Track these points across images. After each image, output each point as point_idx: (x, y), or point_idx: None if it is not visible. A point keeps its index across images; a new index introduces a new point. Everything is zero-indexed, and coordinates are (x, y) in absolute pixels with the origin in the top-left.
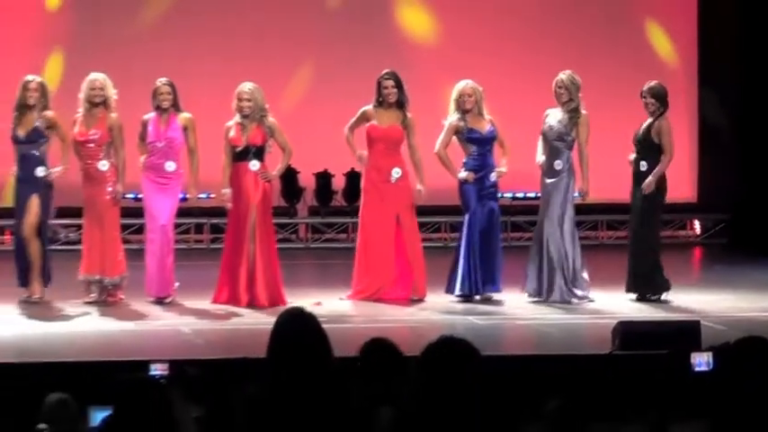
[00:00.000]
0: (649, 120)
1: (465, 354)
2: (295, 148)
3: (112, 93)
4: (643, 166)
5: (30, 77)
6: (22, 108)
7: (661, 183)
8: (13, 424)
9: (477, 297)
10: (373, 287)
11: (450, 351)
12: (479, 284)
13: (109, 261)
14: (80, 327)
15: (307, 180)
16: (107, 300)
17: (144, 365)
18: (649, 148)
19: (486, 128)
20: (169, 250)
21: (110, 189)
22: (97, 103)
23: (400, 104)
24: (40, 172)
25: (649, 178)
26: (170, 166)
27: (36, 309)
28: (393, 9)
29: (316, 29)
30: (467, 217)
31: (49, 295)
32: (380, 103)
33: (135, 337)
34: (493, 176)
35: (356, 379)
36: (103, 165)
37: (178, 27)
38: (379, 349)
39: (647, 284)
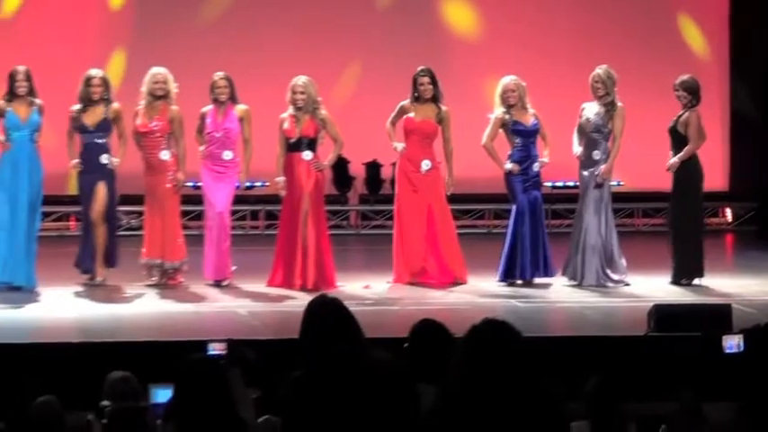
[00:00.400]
0: (684, 109)
1: (507, 335)
2: (346, 140)
3: (173, 86)
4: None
5: (93, 73)
6: (87, 102)
7: (695, 171)
8: (78, 401)
9: (520, 282)
10: (410, 271)
11: (493, 333)
12: (527, 270)
13: (169, 246)
14: (141, 308)
15: (357, 170)
16: (167, 283)
17: (202, 345)
18: (679, 139)
19: (530, 121)
20: (226, 236)
21: (170, 177)
22: (159, 96)
23: (435, 99)
24: (104, 159)
25: (674, 160)
26: (227, 155)
27: (99, 291)
28: (438, 6)
29: (366, 26)
30: (514, 207)
31: (111, 278)
32: (417, 98)
33: (194, 318)
34: (536, 167)
35: (403, 358)
36: (165, 154)
37: (235, 23)
38: (430, 330)
39: (683, 268)
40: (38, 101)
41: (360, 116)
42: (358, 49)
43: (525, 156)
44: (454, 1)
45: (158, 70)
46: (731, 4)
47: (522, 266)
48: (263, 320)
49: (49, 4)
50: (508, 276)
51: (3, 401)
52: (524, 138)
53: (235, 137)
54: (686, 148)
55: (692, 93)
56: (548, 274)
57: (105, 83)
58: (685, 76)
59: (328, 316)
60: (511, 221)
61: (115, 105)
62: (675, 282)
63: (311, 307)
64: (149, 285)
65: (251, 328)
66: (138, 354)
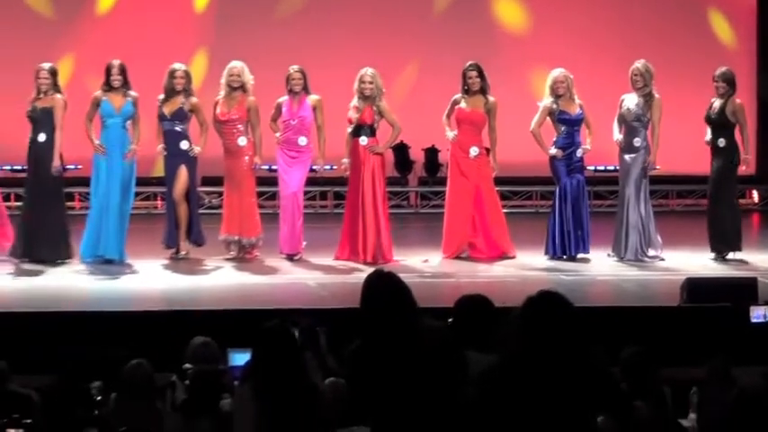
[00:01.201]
0: (720, 101)
1: (561, 305)
2: (407, 128)
3: (249, 78)
4: (721, 142)
5: (176, 66)
6: (170, 92)
7: (737, 155)
8: (164, 364)
9: (564, 257)
10: (456, 246)
11: (548, 302)
12: (571, 247)
13: (246, 223)
14: (221, 280)
15: (417, 154)
16: (244, 257)
17: (276, 313)
18: (724, 126)
19: (575, 111)
20: (299, 214)
21: (247, 161)
22: (235, 88)
23: (483, 91)
24: (183, 145)
25: (744, 156)
26: (302, 140)
27: (183, 264)
28: (488, 3)
29: (425, 27)
30: (557, 189)
31: (193, 253)
32: (466, 90)
33: (268, 288)
34: (579, 153)
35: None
36: (242, 140)
37: (308, 22)
38: (472, 303)
39: (724, 242)
40: (133, 93)
41: (419, 106)
42: (418, 46)
43: (569, 143)
44: (506, 3)
45: (234, 64)
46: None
47: (567, 244)
48: (331, 291)
49: (139, 3)
50: (555, 252)
51: (100, 363)
52: (569, 126)
53: (309, 124)
54: (745, 133)
55: (730, 83)
56: (586, 250)
57: (187, 75)
58: (723, 68)
59: (384, 288)
60: (555, 202)
61: (193, 99)
62: (716, 254)
63: (369, 280)
64: (228, 259)
65: (320, 298)
66: (218, 321)
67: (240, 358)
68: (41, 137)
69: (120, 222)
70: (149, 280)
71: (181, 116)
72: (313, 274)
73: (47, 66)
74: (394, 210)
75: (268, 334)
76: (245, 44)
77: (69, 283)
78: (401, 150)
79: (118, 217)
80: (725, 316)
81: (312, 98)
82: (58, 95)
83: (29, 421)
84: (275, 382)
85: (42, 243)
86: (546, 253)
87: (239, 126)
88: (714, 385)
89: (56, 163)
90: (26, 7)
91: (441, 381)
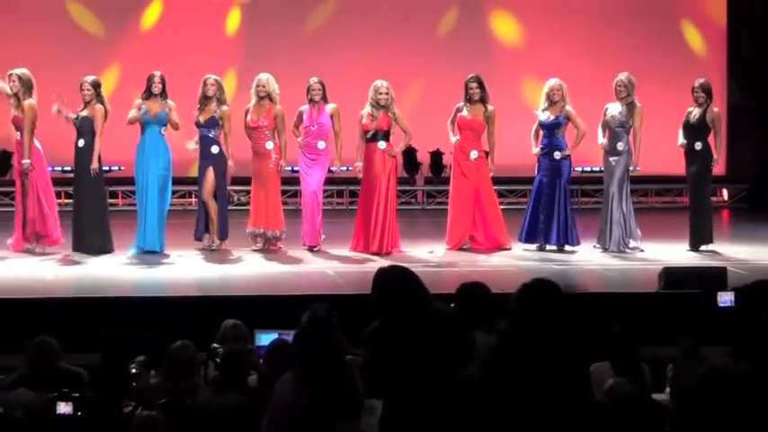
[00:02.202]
0: (699, 109)
1: (551, 291)
2: (414, 133)
3: (274, 88)
4: (698, 146)
5: (209, 76)
6: (204, 100)
7: (710, 157)
8: (196, 344)
9: (534, 245)
10: (458, 239)
11: (540, 289)
12: (540, 237)
13: (271, 218)
14: (248, 269)
15: (423, 157)
16: (269, 248)
17: (299, 299)
18: (702, 131)
19: (550, 117)
20: (319, 210)
21: (273, 163)
22: (262, 97)
23: (483, 100)
24: (213, 150)
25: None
26: (320, 144)
27: (213, 254)
28: (487, 21)
29: (431, 45)
30: (534, 183)
31: (223, 244)
32: (468, 99)
33: (291, 276)
34: (557, 155)
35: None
36: (269, 144)
37: (328, 40)
38: (472, 289)
39: (700, 237)
40: (170, 102)
41: (426, 114)
42: (425, 62)
43: (546, 144)
44: (501, 15)
45: (261, 75)
46: (728, 13)
47: (536, 233)
48: (347, 279)
49: (178, 23)
50: (521, 238)
51: (140, 343)
52: (545, 130)
53: (327, 130)
54: (720, 138)
55: (707, 93)
56: (572, 243)
57: (218, 84)
58: (702, 80)
59: (394, 282)
60: (530, 195)
61: (224, 108)
62: (693, 247)
63: (377, 277)
64: (254, 250)
65: (336, 285)
66: (246, 305)
67: (266, 338)
68: (81, 142)
69: (159, 218)
70: (184, 269)
71: (212, 123)
72: (331, 264)
73: (89, 79)
74: (403, 206)
75: (313, 319)
76: (269, 63)
77: (114, 272)
78: (409, 153)
79: (157, 213)
80: (697, 301)
81: (330, 106)
82: (99, 105)
83: (77, 395)
84: (315, 361)
85: (86, 236)
86: (520, 238)
87: (267, 132)
88: (685, 362)
89: (93, 165)
90: (78, 27)
91: (449, 359)
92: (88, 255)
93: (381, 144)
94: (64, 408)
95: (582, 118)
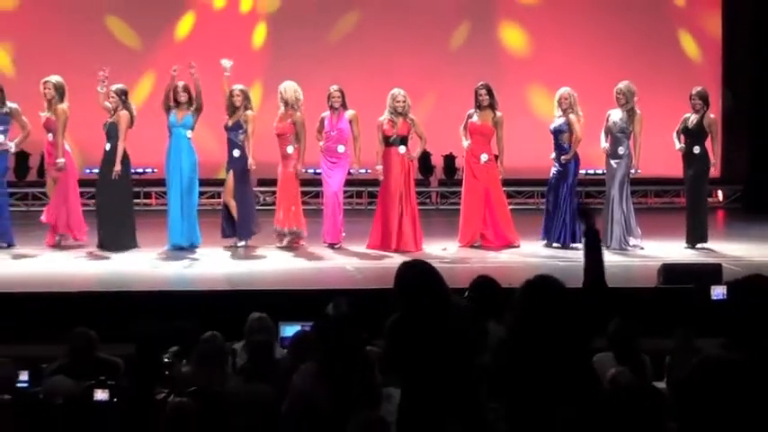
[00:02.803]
0: (696, 115)
1: (554, 286)
2: (429, 138)
3: (291, 95)
4: (696, 149)
5: (235, 86)
6: (231, 108)
7: (708, 160)
8: (224, 335)
9: (554, 244)
10: (469, 237)
11: (543, 284)
12: (548, 236)
13: (293, 217)
14: (273, 265)
15: (437, 160)
16: (292, 245)
17: (321, 293)
18: (699, 136)
19: (553, 124)
20: (339, 210)
21: (292, 166)
22: (285, 104)
23: (491, 107)
24: (235, 153)
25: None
26: (340, 148)
27: (240, 251)
28: (497, 31)
29: (445, 57)
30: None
31: (246, 243)
32: (478, 106)
33: (313, 272)
34: (562, 158)
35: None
36: (290, 149)
37: (349, 52)
38: (484, 283)
39: (696, 236)
40: (193, 108)
41: (439, 121)
42: (438, 73)
43: (555, 147)
44: (509, 26)
45: (282, 84)
46: (723, 24)
47: (546, 232)
48: (365, 274)
49: (209, 34)
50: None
51: (173, 334)
52: (553, 135)
53: (346, 135)
54: (716, 142)
55: (704, 101)
56: (577, 241)
57: (244, 93)
58: (699, 88)
59: (416, 276)
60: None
61: (249, 112)
62: (690, 245)
63: (402, 269)
64: (279, 247)
65: (355, 280)
66: (271, 299)
67: (290, 330)
68: (107, 146)
69: (189, 215)
70: (213, 265)
71: (238, 126)
72: (350, 260)
73: (115, 87)
74: (418, 206)
75: (335, 313)
76: (294, 73)
77: (145, 267)
78: (424, 157)
79: (188, 211)
80: (693, 295)
81: (349, 113)
82: (123, 112)
83: (113, 383)
84: (338, 354)
85: (110, 234)
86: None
87: (289, 137)
88: (681, 353)
89: (116, 168)
90: (115, 40)
91: (465, 349)
92: (111, 251)
93: (401, 148)
94: (101, 394)
95: (585, 122)
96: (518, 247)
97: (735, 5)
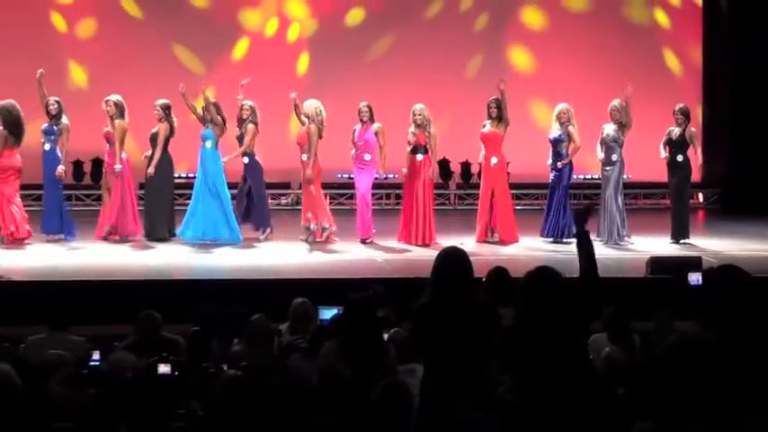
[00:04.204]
0: (679, 128)
1: (552, 276)
2: (449, 148)
3: (309, 111)
4: (680, 158)
5: (245, 102)
6: (240, 120)
7: (688, 167)
8: (271, 318)
9: (550, 239)
10: (480, 233)
11: (542, 274)
12: (544, 231)
13: (320, 212)
14: (312, 257)
15: (455, 167)
16: (323, 239)
17: (354, 282)
18: (683, 146)
19: (556, 134)
20: (368, 209)
21: (308, 172)
22: (308, 117)
23: (500, 118)
24: (245, 160)
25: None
26: (367, 156)
27: (283, 245)
28: (507, 54)
29: (463, 80)
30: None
31: (267, 235)
32: (489, 117)
33: (348, 263)
34: (559, 165)
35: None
36: (304, 156)
37: (382, 74)
38: (498, 273)
39: (680, 233)
40: (214, 122)
41: (457, 132)
42: (457, 92)
43: (553, 155)
44: (517, 48)
45: (308, 101)
46: (704, 44)
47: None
48: (393, 265)
49: (259, 61)
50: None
51: (227, 317)
52: (552, 144)
53: (372, 144)
54: (698, 149)
55: (686, 115)
56: (567, 236)
57: (251, 109)
58: (681, 105)
59: (456, 260)
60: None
61: (249, 126)
62: (674, 241)
63: (444, 252)
64: (317, 242)
65: (385, 270)
66: (312, 286)
67: (328, 313)
68: (148, 153)
69: (214, 212)
70: (261, 256)
71: (242, 138)
72: (379, 253)
73: (158, 102)
74: (438, 207)
75: (356, 302)
76: (329, 97)
77: (186, 257)
78: (444, 164)
79: (214, 208)
80: (675, 283)
81: (375, 126)
82: (163, 123)
83: (175, 359)
84: (357, 337)
85: (152, 226)
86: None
87: (304, 146)
88: (660, 332)
89: (150, 170)
90: (180, 63)
91: (481, 330)
92: (150, 240)
93: (419, 156)
94: (164, 368)
95: (580, 133)
96: (517, 242)
97: (715, 27)
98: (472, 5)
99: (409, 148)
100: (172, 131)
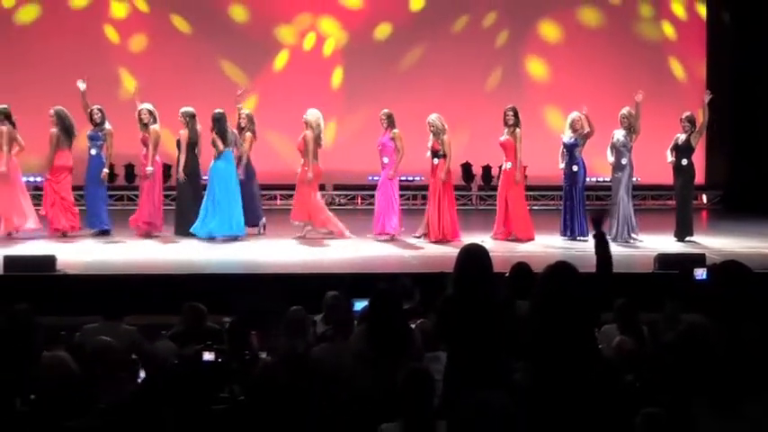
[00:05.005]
0: (685, 135)
1: (570, 270)
2: (471, 153)
3: (308, 119)
4: (684, 162)
5: (243, 111)
6: (238, 128)
7: (692, 170)
8: (306, 310)
9: (565, 238)
10: (494, 231)
11: (560, 269)
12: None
13: (297, 211)
14: (345, 252)
15: (477, 170)
16: (305, 236)
17: (384, 276)
18: (688, 151)
19: (571, 140)
20: (387, 205)
21: (308, 176)
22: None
23: (515, 125)
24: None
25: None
26: (385, 159)
27: (312, 241)
28: (524, 65)
29: (483, 92)
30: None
31: (259, 231)
32: (505, 124)
33: (378, 258)
34: (574, 168)
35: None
36: (302, 160)
37: (412, 86)
38: (521, 268)
39: (684, 231)
40: (235, 131)
41: (479, 139)
42: (479, 103)
43: (568, 159)
44: (534, 60)
45: (309, 110)
46: (707, 53)
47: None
48: (420, 260)
49: (297, 72)
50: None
51: (267, 309)
52: (566, 149)
53: (389, 149)
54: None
55: (692, 123)
56: (583, 234)
57: (248, 117)
58: (688, 113)
59: (476, 256)
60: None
61: (246, 134)
62: (679, 239)
63: (466, 249)
64: (348, 238)
65: (412, 265)
66: (344, 280)
67: (360, 305)
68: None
69: (229, 209)
70: (295, 253)
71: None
72: (407, 250)
73: (182, 110)
74: (461, 207)
75: (382, 291)
76: (361, 109)
77: (222, 252)
78: (467, 167)
79: (233, 205)
80: (681, 278)
81: (393, 132)
82: (183, 131)
83: (218, 347)
84: (384, 324)
85: (180, 222)
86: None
87: (303, 152)
88: (668, 322)
89: (179, 174)
90: (225, 76)
91: (501, 320)
92: (177, 235)
93: (435, 160)
94: (208, 356)
95: (593, 137)
96: (524, 241)
97: (718, 39)
98: (494, 22)
99: (428, 154)
100: (196, 137)
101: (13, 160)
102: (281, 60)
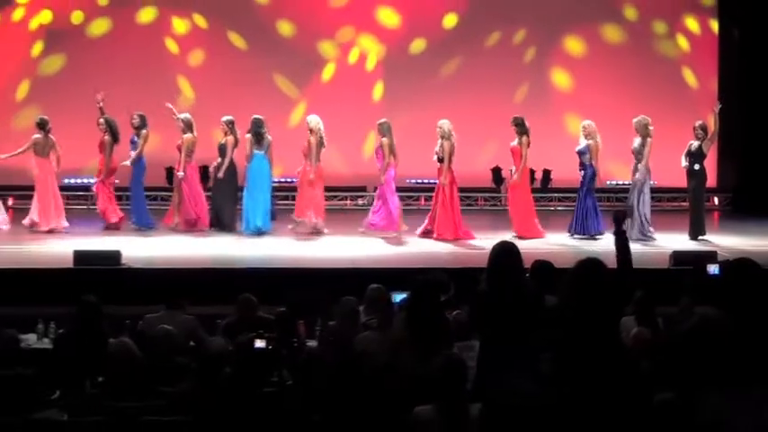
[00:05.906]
0: (698, 141)
1: (599, 265)
2: (500, 158)
3: (311, 126)
4: (696, 167)
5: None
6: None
7: (704, 174)
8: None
9: (575, 236)
10: (513, 229)
11: (589, 264)
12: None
13: (300, 209)
14: (383, 249)
15: (506, 173)
16: (303, 233)
17: (420, 271)
18: (700, 157)
19: (581, 146)
20: (384, 202)
21: (310, 176)
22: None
23: (523, 133)
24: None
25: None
26: (378, 164)
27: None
28: (549, 76)
29: (511, 104)
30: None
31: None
32: (515, 131)
33: (414, 255)
34: (581, 171)
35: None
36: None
37: (445, 98)
38: (543, 264)
39: (697, 231)
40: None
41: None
42: (506, 113)
43: (580, 165)
44: (558, 72)
45: (310, 116)
46: (719, 62)
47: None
48: (454, 256)
49: (342, 84)
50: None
51: (318, 300)
52: (578, 155)
53: (380, 156)
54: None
55: (704, 131)
56: (588, 232)
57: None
58: (700, 121)
59: (508, 252)
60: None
61: (230, 138)
62: (692, 237)
63: (499, 246)
64: (383, 236)
65: (447, 260)
66: (384, 274)
67: (399, 297)
68: (218, 160)
69: (265, 205)
70: (339, 249)
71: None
72: (442, 246)
73: (224, 119)
74: (490, 208)
75: (421, 283)
76: (402, 121)
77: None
78: (496, 171)
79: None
80: (694, 273)
81: (382, 140)
82: (229, 137)
83: (269, 335)
84: (425, 312)
85: (218, 219)
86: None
87: (307, 155)
88: (682, 315)
89: (220, 174)
90: (277, 88)
91: (529, 313)
92: (214, 230)
93: (438, 163)
94: (260, 343)
95: (610, 143)
96: (526, 239)
97: (729, 53)
98: (523, 39)
99: (434, 157)
100: (236, 143)
101: (49, 165)
102: (327, 73)
